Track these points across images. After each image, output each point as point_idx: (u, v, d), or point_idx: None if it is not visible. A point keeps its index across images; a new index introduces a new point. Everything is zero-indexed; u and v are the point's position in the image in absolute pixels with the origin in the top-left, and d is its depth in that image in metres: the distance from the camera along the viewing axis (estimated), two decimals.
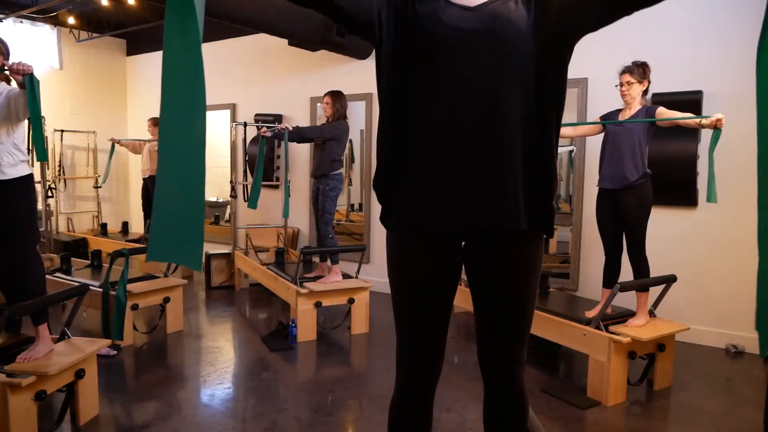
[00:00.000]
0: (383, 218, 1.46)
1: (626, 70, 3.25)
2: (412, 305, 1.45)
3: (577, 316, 3.34)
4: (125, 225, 7.07)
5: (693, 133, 3.86)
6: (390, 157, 1.41)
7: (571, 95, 4.44)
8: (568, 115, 4.43)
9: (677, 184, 3.94)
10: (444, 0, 1.35)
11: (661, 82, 3.98)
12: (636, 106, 3.24)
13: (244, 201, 5.89)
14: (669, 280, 3.27)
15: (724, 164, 3.85)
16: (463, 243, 1.45)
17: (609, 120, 3.35)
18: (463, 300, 4.18)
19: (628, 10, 1.27)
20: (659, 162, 3.99)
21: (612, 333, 3.00)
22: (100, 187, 7.15)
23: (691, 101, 3.86)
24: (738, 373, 3.51)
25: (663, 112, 3.13)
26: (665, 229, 4.06)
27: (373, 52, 1.42)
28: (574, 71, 4.88)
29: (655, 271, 3.39)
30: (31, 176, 2.74)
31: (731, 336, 3.88)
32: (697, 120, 2.99)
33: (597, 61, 3.95)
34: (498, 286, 1.42)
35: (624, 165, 3.21)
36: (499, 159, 1.32)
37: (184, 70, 1.05)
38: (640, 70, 3.22)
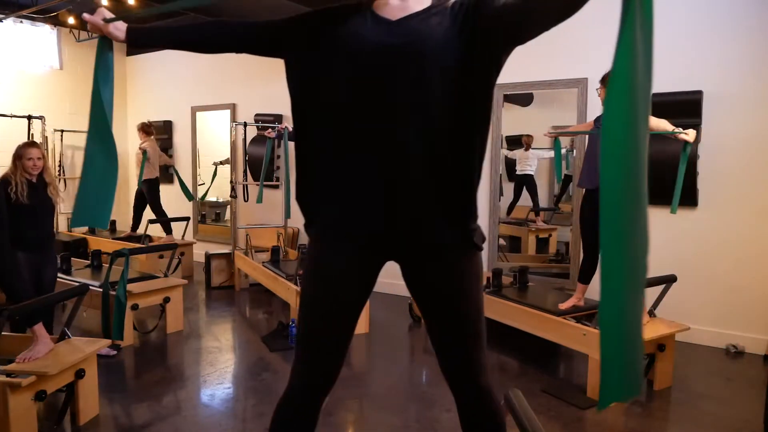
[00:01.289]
0: (306, 227, 1.47)
1: None
2: (320, 310, 1.44)
3: (577, 316, 3.35)
4: (113, 223, 7.07)
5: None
6: (312, 171, 1.43)
7: (570, 95, 4.44)
8: (568, 114, 4.44)
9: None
10: (371, 14, 1.36)
11: (661, 82, 3.96)
12: None
13: (245, 201, 5.90)
14: (669, 280, 3.27)
15: (723, 164, 3.85)
16: (400, 265, 1.46)
17: (597, 121, 3.46)
18: None
19: (554, 23, 1.21)
20: (659, 162, 3.98)
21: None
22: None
23: (691, 101, 3.86)
24: (738, 373, 3.51)
25: None
26: (665, 229, 4.05)
27: None
28: (574, 71, 4.86)
29: (655, 271, 3.38)
30: None
31: (731, 336, 3.87)
32: (670, 129, 3.05)
33: (597, 62, 3.92)
34: (434, 300, 1.44)
35: (597, 167, 3.26)
36: (419, 175, 1.32)
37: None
38: (604, 76, 3.36)
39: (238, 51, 1.53)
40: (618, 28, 0.88)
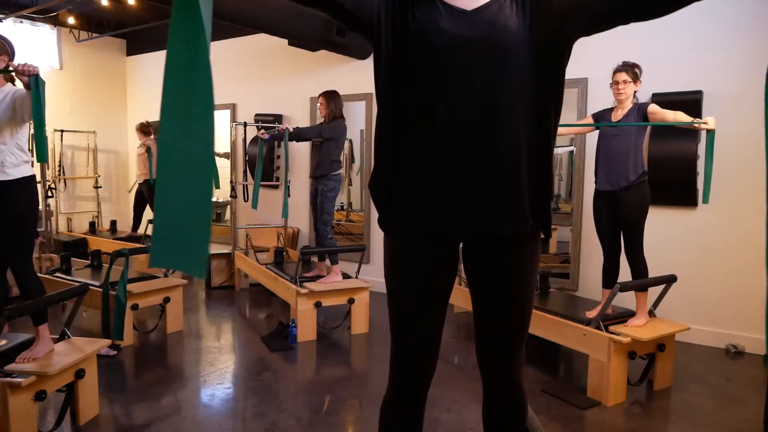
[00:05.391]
0: (381, 221, 1.46)
1: (621, 69, 3.25)
2: (408, 308, 1.44)
3: (577, 316, 3.34)
4: (113, 223, 7.05)
5: (693, 133, 3.85)
6: (389, 160, 1.40)
7: (571, 95, 4.44)
8: (568, 114, 4.43)
9: (677, 184, 3.94)
10: (442, 4, 1.34)
11: (661, 82, 3.97)
12: (627, 105, 3.25)
13: (244, 201, 5.90)
14: (669, 280, 3.27)
15: (723, 164, 3.85)
16: (462, 245, 1.45)
17: (601, 119, 3.35)
18: (463, 300, 4.19)
19: (624, 21, 1.27)
20: (659, 162, 3.99)
21: (612, 333, 3.00)
22: (101, 186, 7.18)
23: (691, 101, 3.85)
24: (738, 373, 3.51)
25: (655, 111, 3.12)
26: (665, 229, 4.05)
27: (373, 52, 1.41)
28: (574, 71, 4.87)
29: (655, 271, 3.38)
30: (33, 177, 2.74)
31: (731, 336, 3.87)
32: (688, 120, 3.00)
33: (597, 61, 3.95)
34: (497, 288, 1.42)
35: (620, 167, 3.20)
36: (498, 164, 1.32)
37: (188, 67, 0.97)
38: (633, 70, 3.23)
39: (323, 8, 1.37)
40: None
